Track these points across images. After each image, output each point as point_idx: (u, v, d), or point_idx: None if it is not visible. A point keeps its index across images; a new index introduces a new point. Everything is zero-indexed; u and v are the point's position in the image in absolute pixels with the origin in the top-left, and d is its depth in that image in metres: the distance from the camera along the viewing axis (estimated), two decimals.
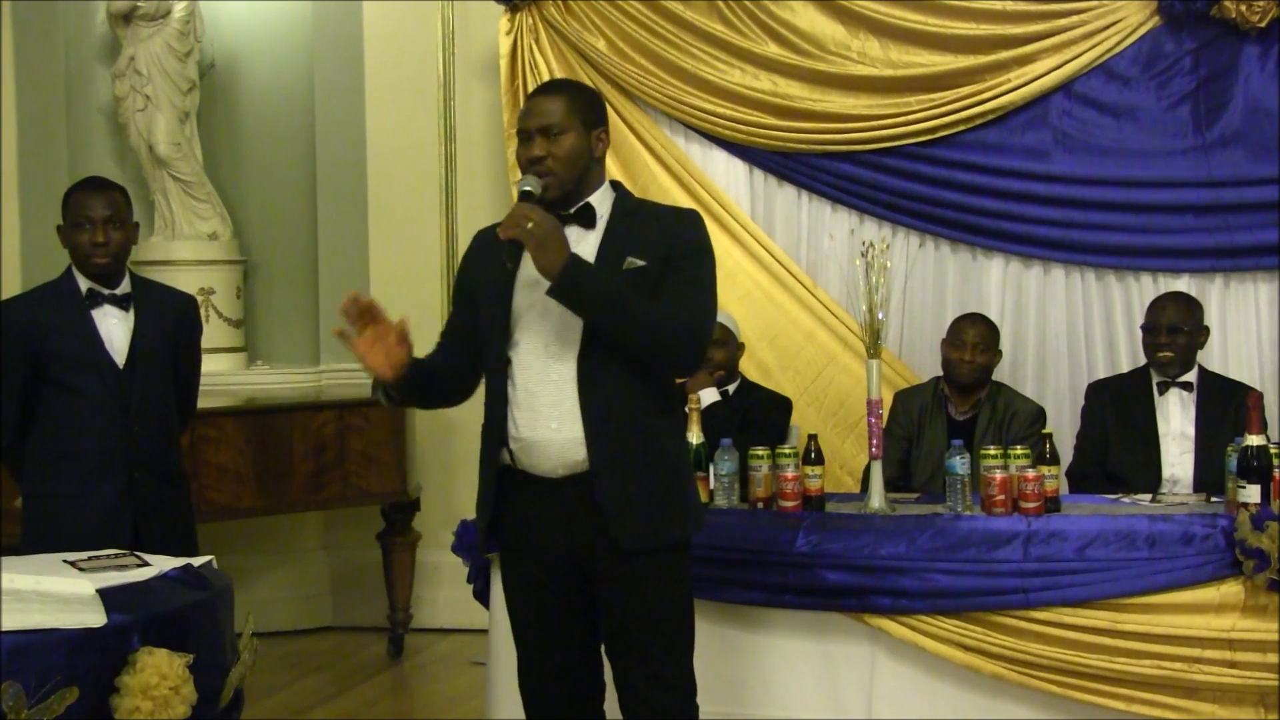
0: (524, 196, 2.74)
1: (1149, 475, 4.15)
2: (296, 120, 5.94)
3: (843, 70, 5.06)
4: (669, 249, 2.78)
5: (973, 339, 4.29)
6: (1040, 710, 3.45)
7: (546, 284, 2.68)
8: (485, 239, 2.95)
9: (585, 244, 2.77)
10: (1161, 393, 4.23)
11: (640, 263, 2.74)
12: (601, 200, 2.85)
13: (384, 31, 5.76)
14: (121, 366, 3.54)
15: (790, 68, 5.11)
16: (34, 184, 5.79)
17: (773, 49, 5.13)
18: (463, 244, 5.67)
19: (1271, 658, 3.26)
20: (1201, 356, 4.69)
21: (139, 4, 5.68)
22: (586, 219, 2.81)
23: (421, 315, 5.64)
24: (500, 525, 2.87)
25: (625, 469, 2.74)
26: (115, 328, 3.56)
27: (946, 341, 4.36)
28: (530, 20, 5.34)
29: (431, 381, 2.94)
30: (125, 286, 3.60)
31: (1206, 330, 4.34)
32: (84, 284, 3.56)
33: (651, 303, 2.73)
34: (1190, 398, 4.22)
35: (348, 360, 5.88)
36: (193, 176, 5.78)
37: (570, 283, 2.65)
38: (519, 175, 5.30)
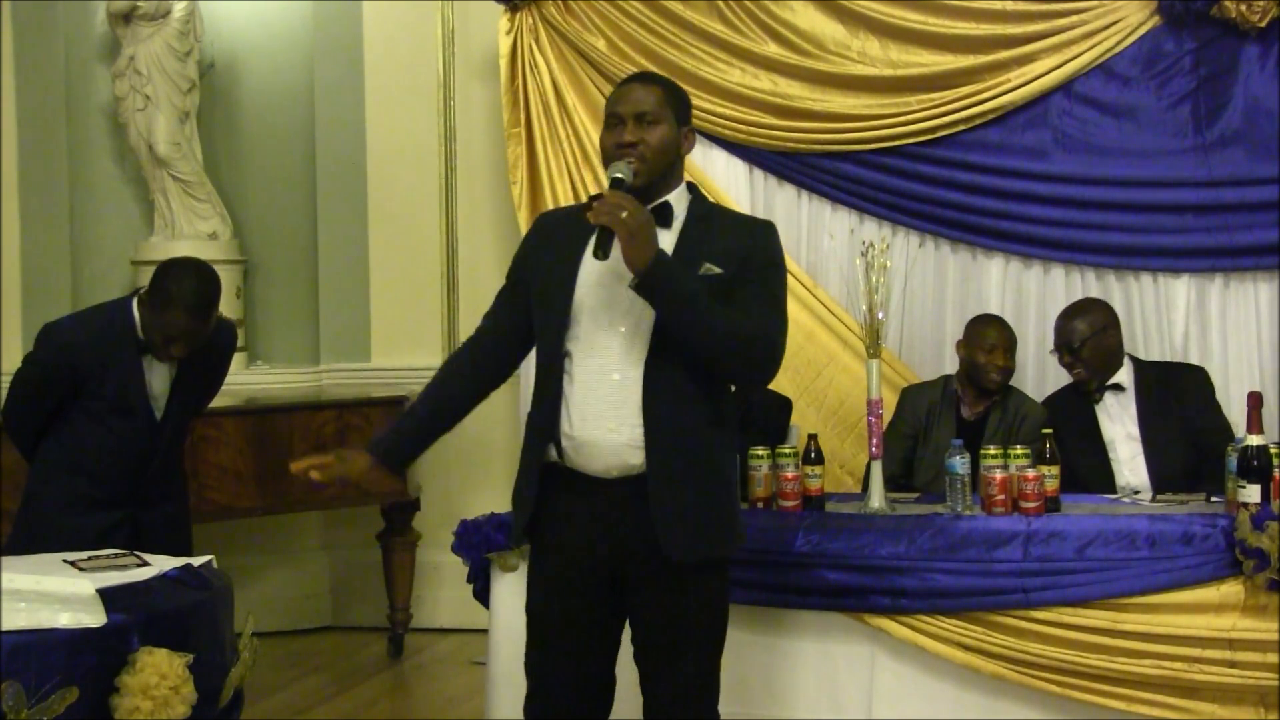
0: (615, 184, 2.64)
1: (1105, 483, 4.12)
2: (296, 120, 5.93)
3: (843, 70, 5.06)
4: (745, 260, 2.72)
5: (1003, 343, 4.28)
6: (1040, 710, 3.45)
7: (614, 277, 2.63)
8: (551, 224, 2.89)
9: (660, 244, 2.67)
10: (1098, 399, 4.23)
11: (717, 270, 2.68)
12: (679, 200, 2.78)
13: (384, 31, 5.76)
14: (159, 419, 3.60)
15: (790, 68, 5.11)
16: (34, 184, 5.81)
17: (773, 49, 5.13)
18: (463, 244, 5.78)
19: (1271, 658, 3.26)
20: (1200, 356, 4.71)
21: (139, 4, 5.68)
22: (664, 218, 2.73)
23: (421, 315, 5.72)
24: (538, 521, 2.77)
25: (680, 479, 2.67)
26: (156, 377, 3.61)
27: (972, 345, 4.30)
28: (530, 20, 5.34)
29: (434, 425, 2.91)
30: None
31: (1116, 329, 4.27)
32: (139, 331, 3.57)
33: (730, 311, 2.67)
34: (1128, 396, 4.21)
35: (348, 360, 5.92)
36: (192, 176, 5.78)
37: (658, 278, 2.57)
38: (519, 175, 5.41)
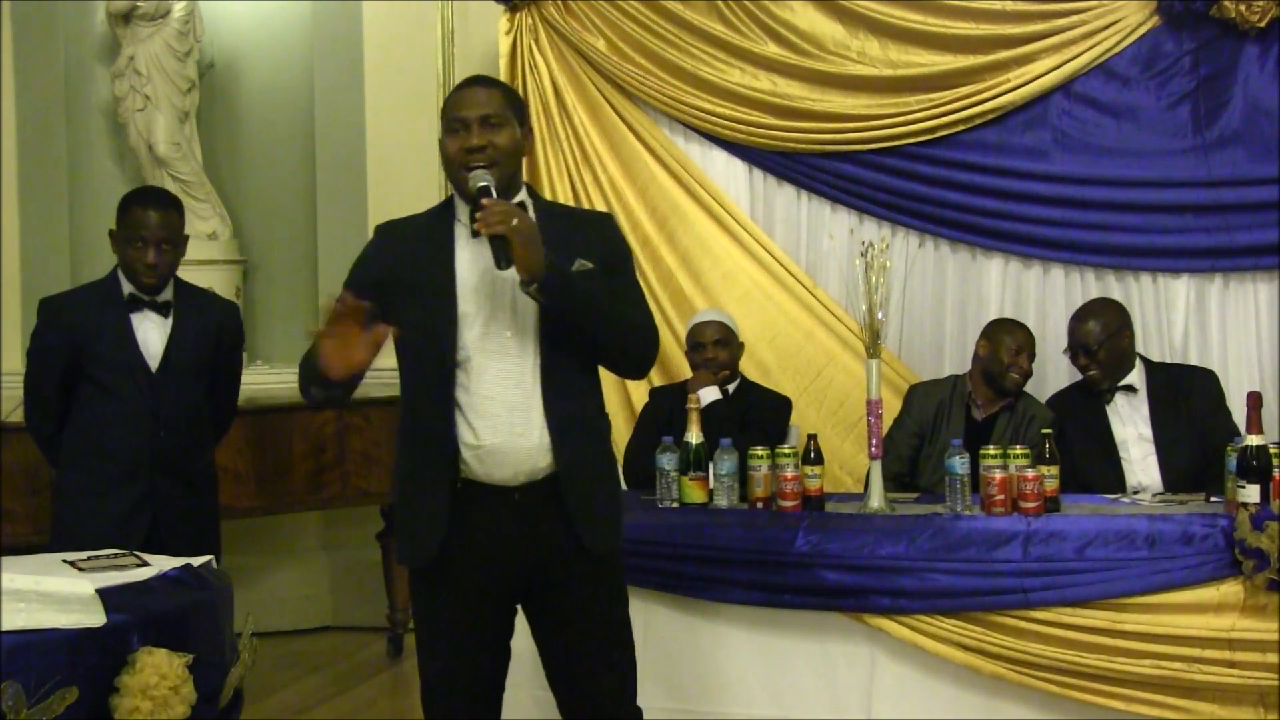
0: (483, 192, 2.60)
1: (1114, 484, 4.12)
2: (296, 120, 5.94)
3: (843, 70, 5.06)
4: (606, 253, 2.76)
5: (1028, 348, 4.28)
6: (1040, 710, 3.45)
7: (491, 283, 2.63)
8: (399, 234, 2.83)
9: None
10: (1109, 400, 4.22)
11: (589, 265, 2.69)
12: (525, 201, 2.77)
13: (384, 31, 5.76)
14: (155, 371, 3.61)
15: (790, 68, 5.11)
16: (34, 184, 5.81)
17: (773, 49, 5.13)
18: None
19: (1271, 658, 3.26)
20: (1200, 357, 4.70)
21: (139, 4, 5.68)
22: None
23: None
24: (445, 538, 2.69)
25: (588, 472, 2.73)
26: (152, 333, 3.64)
27: (997, 345, 4.29)
28: (530, 20, 5.34)
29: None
30: (167, 294, 3.67)
31: (1130, 330, 4.28)
32: (126, 288, 3.63)
33: (619, 303, 2.72)
34: (1140, 398, 4.20)
35: None
36: (192, 176, 5.78)
37: (559, 279, 2.59)
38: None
